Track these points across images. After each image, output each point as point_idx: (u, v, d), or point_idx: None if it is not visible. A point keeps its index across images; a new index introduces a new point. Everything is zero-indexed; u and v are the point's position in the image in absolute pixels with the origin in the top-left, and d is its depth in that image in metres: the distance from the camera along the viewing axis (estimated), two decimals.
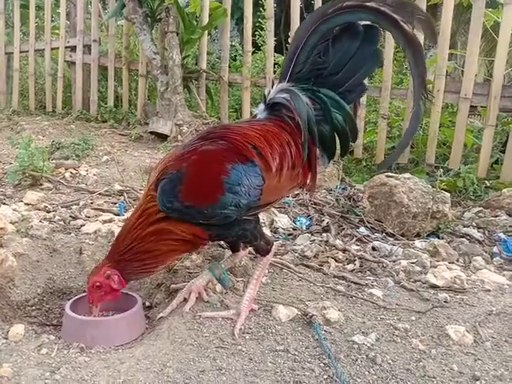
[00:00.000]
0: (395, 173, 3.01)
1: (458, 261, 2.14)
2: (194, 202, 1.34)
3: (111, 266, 1.42)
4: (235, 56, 5.70)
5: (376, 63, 1.62)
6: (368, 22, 1.54)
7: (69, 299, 1.59)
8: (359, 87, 1.60)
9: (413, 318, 1.55)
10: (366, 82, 1.64)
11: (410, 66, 1.53)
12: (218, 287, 1.63)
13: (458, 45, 7.77)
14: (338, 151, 1.65)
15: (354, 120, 1.61)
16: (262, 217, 2.27)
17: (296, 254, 2.07)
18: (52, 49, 5.50)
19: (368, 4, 1.47)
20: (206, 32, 4.58)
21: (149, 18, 4.42)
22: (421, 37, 1.61)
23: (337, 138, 1.61)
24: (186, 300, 1.54)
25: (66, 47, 5.36)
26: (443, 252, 2.16)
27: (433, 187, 2.54)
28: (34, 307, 1.65)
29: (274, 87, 1.57)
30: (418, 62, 1.49)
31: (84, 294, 1.59)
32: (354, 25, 1.53)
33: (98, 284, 1.41)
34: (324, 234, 2.32)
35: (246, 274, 1.77)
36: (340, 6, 1.49)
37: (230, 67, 4.54)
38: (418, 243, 2.30)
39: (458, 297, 1.71)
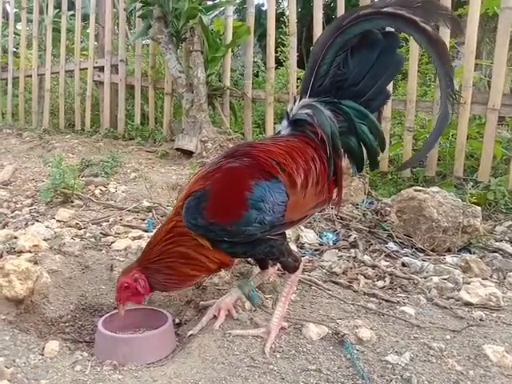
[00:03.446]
0: (422, 186, 2.96)
1: (491, 277, 2.08)
2: (218, 219, 1.35)
3: (139, 270, 1.46)
4: (257, 72, 5.76)
5: (397, 69, 1.60)
6: (389, 29, 1.52)
7: (101, 316, 1.62)
8: (382, 95, 1.58)
9: (447, 336, 1.50)
10: (388, 88, 1.61)
11: (436, 66, 1.48)
12: (247, 305, 1.63)
13: (483, 54, 7.65)
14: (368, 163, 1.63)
15: (380, 128, 1.59)
16: (288, 232, 2.26)
17: (324, 271, 2.05)
18: (81, 69, 5.68)
19: (384, 10, 1.45)
20: (230, 50, 4.66)
21: (174, 38, 4.52)
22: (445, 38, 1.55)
23: (364, 148, 1.59)
24: (215, 317, 1.54)
25: (94, 67, 5.53)
26: (476, 268, 2.10)
27: (462, 200, 2.49)
28: (67, 323, 1.68)
29: (296, 103, 1.58)
30: (443, 61, 1.45)
31: (116, 311, 1.62)
32: (371, 33, 1.51)
33: (126, 284, 1.45)
34: (352, 250, 2.29)
35: (275, 291, 1.77)
36: (355, 15, 1.48)
37: (252, 83, 4.59)
38: (449, 259, 2.25)
39: (494, 315, 1.65)
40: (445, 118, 1.49)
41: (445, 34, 3.09)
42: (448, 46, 3.40)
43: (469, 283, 1.90)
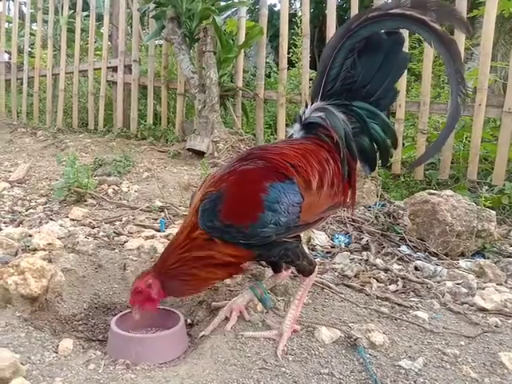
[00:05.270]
0: (435, 189, 2.93)
1: (506, 282, 2.05)
2: (234, 221, 1.35)
3: (154, 276, 1.46)
4: (269, 73, 5.76)
5: (403, 67, 1.62)
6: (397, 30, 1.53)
7: (114, 315, 1.63)
8: (391, 92, 1.59)
9: (462, 342, 1.49)
10: (396, 85, 1.62)
11: (446, 64, 1.48)
12: (259, 307, 1.63)
13: (498, 56, 7.55)
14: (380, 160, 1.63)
15: (391, 126, 1.60)
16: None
17: (336, 273, 2.04)
18: (95, 69, 5.75)
19: (393, 11, 1.46)
20: (242, 50, 4.67)
21: (187, 39, 4.55)
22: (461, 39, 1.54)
23: (376, 147, 1.59)
24: (227, 318, 1.54)
25: (107, 67, 5.59)
26: (490, 273, 2.07)
27: (476, 204, 2.46)
28: (80, 322, 1.69)
29: (309, 107, 1.59)
30: (454, 58, 1.45)
31: (129, 310, 1.63)
32: (376, 33, 1.52)
33: (139, 289, 1.45)
34: (364, 253, 2.28)
35: (287, 293, 1.76)
36: (364, 18, 1.48)
37: (264, 84, 4.59)
38: (462, 263, 2.22)
39: (509, 321, 1.63)
40: (455, 115, 1.49)
41: (460, 35, 3.07)
42: (463, 46, 3.38)
43: (483, 288, 1.88)
